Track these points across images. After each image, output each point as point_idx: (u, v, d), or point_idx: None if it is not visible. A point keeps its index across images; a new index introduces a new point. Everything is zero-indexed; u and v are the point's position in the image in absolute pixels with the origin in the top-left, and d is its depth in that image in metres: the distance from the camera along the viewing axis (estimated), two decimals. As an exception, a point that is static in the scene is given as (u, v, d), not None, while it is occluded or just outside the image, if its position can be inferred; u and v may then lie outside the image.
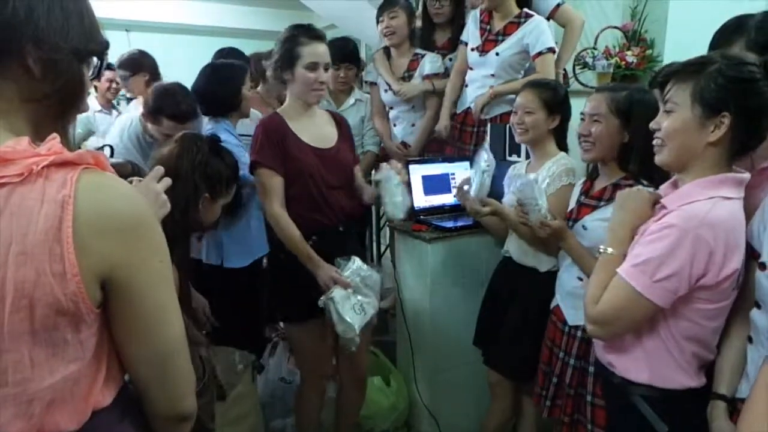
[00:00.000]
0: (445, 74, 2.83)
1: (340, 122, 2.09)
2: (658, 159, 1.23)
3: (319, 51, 1.86)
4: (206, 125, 2.37)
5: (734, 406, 1.19)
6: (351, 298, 1.83)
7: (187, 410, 0.84)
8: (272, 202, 1.87)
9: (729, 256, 1.11)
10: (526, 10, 2.49)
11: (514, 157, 2.31)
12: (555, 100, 1.92)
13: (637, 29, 3.01)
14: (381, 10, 2.78)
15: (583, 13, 2.71)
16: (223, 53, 2.94)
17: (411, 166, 2.36)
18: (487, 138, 2.50)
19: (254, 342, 2.49)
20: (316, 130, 1.97)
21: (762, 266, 1.12)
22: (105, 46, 0.80)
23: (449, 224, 2.27)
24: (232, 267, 2.21)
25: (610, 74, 2.81)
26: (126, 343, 0.78)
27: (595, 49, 2.89)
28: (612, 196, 1.62)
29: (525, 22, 2.45)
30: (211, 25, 7.11)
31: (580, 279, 1.69)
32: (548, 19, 2.61)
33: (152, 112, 2.26)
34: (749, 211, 1.19)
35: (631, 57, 2.83)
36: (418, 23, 2.92)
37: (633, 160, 1.58)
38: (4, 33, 0.69)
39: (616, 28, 3.02)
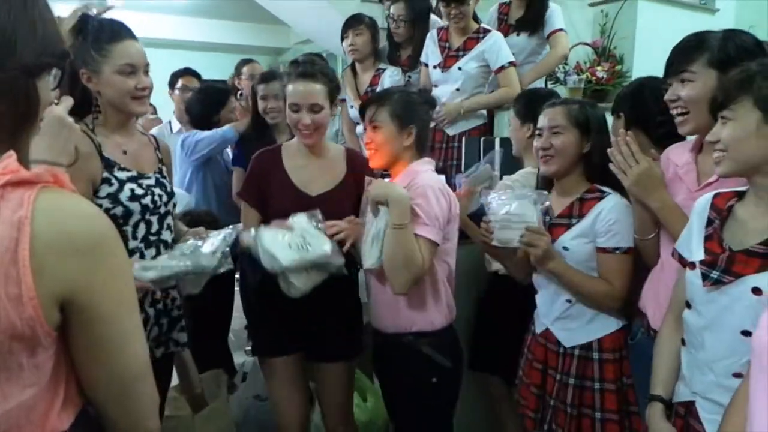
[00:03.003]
0: None
1: (356, 162, 1.82)
2: (372, 162, 1.70)
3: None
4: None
5: (672, 410, 1.23)
6: (287, 236, 1.57)
7: (149, 431, 0.82)
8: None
9: (443, 200, 1.60)
10: (483, 25, 2.58)
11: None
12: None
13: (606, 45, 3.09)
14: (346, 27, 2.83)
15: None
16: (177, 74, 3.15)
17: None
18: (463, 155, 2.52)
19: (225, 359, 2.50)
20: (313, 172, 1.78)
21: (692, 266, 1.18)
22: (62, 57, 0.76)
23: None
24: None
25: (581, 89, 2.87)
26: (86, 367, 0.75)
27: (566, 64, 2.96)
28: (581, 212, 1.61)
29: (484, 37, 2.54)
30: (188, 40, 7.07)
31: (569, 301, 1.63)
32: (548, 37, 2.72)
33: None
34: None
35: (601, 72, 2.90)
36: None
37: (594, 169, 1.61)
38: None
39: (586, 44, 3.10)
